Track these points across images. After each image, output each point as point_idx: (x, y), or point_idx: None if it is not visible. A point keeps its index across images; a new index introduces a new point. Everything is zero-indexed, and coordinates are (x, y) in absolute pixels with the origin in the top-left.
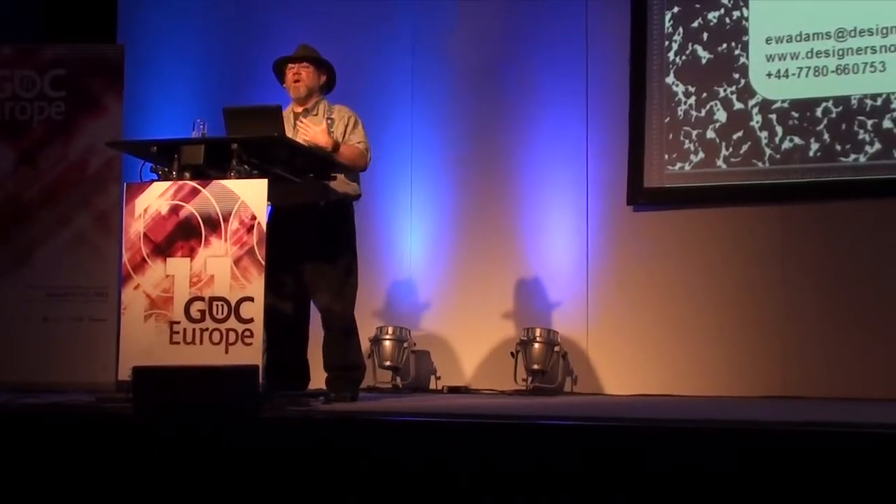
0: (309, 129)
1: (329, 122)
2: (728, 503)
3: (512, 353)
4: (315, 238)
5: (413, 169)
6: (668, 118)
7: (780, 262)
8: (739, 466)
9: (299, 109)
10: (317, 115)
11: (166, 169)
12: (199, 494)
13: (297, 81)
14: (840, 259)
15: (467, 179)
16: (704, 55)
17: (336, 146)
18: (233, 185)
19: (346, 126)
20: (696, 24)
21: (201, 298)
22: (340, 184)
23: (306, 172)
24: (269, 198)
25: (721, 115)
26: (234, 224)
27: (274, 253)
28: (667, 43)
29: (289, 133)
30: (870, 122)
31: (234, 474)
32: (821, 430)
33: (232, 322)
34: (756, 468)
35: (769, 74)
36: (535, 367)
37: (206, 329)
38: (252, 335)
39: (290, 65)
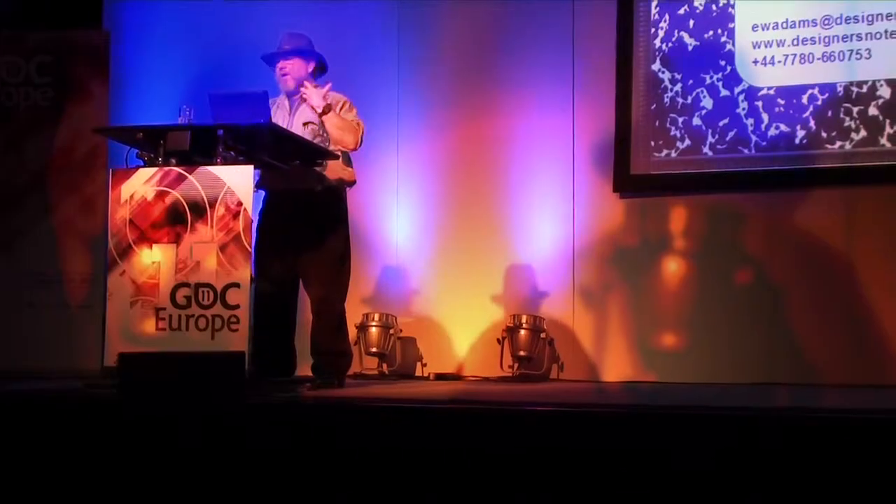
0: (308, 89)
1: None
2: (718, 489)
3: (498, 340)
4: (310, 224)
5: (399, 155)
6: (654, 105)
7: (767, 249)
8: (730, 453)
9: (296, 97)
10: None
11: (152, 155)
12: (185, 480)
13: (284, 76)
14: (826, 246)
15: (454, 166)
16: (691, 42)
17: (327, 109)
18: (219, 171)
19: (340, 108)
20: (682, 11)
21: (187, 285)
22: (337, 169)
23: (293, 159)
24: (264, 183)
25: (707, 102)
26: (220, 210)
27: (267, 238)
28: (653, 30)
29: (284, 119)
30: (855, 110)
31: (220, 460)
32: (810, 416)
33: (218, 308)
34: (747, 455)
35: (755, 61)
36: (522, 353)
37: (193, 315)
38: (238, 321)
39: (277, 59)
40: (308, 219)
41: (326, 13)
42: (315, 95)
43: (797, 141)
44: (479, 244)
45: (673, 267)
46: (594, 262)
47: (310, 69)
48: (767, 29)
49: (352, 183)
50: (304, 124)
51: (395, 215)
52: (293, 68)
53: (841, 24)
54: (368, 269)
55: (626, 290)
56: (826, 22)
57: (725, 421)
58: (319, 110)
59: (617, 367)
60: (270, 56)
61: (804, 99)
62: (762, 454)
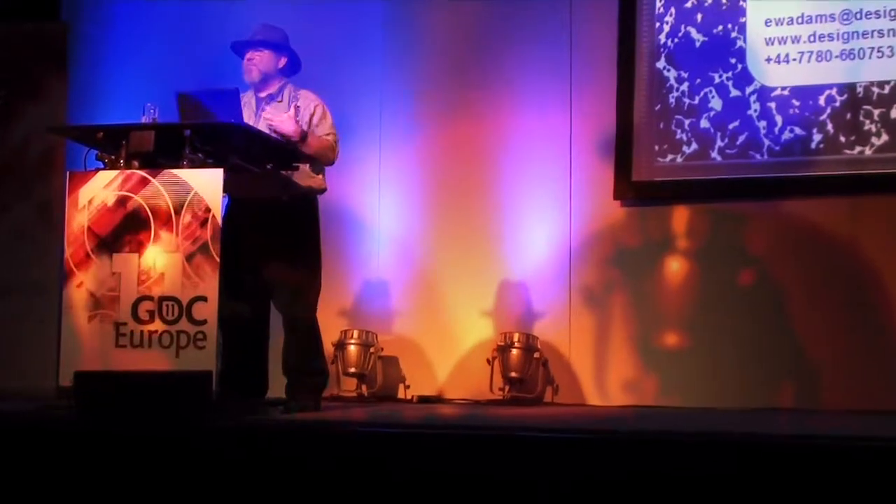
0: (275, 117)
1: (295, 108)
2: None
3: (488, 360)
4: (276, 234)
5: (381, 160)
6: (658, 106)
7: (781, 262)
8: (735, 483)
9: (263, 94)
10: (282, 101)
11: (113, 157)
12: None
13: (250, 65)
14: (844, 259)
15: (441, 173)
16: (698, 38)
17: (304, 136)
18: (185, 174)
19: (312, 115)
20: (689, 4)
21: (150, 298)
22: (304, 176)
23: (266, 162)
24: (226, 189)
25: (716, 103)
26: (186, 217)
27: (230, 249)
28: (658, 24)
29: (249, 119)
30: (876, 112)
31: (184, 489)
32: (822, 444)
33: (183, 324)
34: (753, 484)
35: (768, 59)
36: (513, 374)
37: (156, 331)
38: (205, 338)
39: (246, 49)
40: (275, 228)
41: (306, 5)
42: (285, 123)
43: (813, 146)
44: (467, 257)
45: (678, 282)
46: (592, 277)
47: (280, 64)
48: (782, 24)
49: (322, 191)
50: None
51: (377, 225)
52: (262, 60)
53: (861, 19)
54: (347, 283)
55: (626, 307)
56: (845, 17)
57: (738, 449)
58: (296, 137)
59: (616, 390)
60: (240, 45)
61: (821, 100)
62: (772, 485)
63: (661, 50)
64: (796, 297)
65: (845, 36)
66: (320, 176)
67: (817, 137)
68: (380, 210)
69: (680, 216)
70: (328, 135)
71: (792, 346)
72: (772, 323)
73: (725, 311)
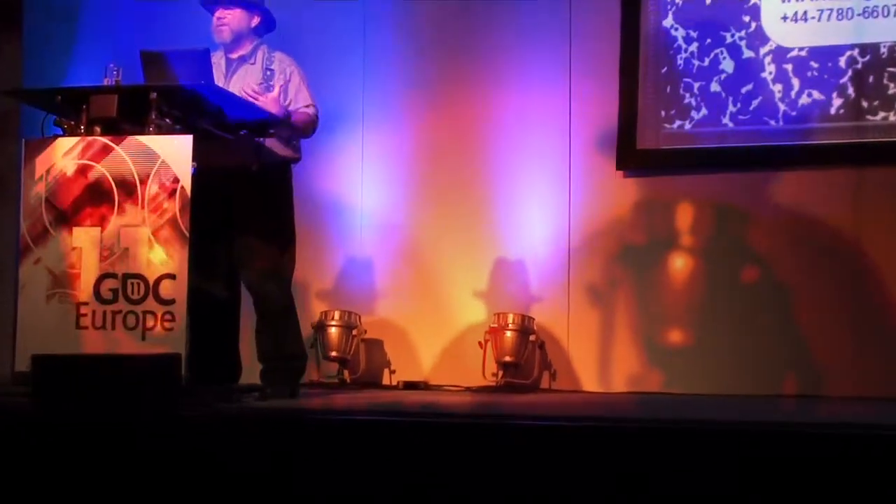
0: (258, 99)
1: (268, 72)
2: None
3: (480, 344)
4: (247, 206)
5: (365, 126)
6: (665, 68)
7: (797, 238)
8: (741, 474)
9: (234, 56)
10: (254, 63)
11: (73, 123)
12: (107, 501)
13: (221, 26)
14: (867, 234)
15: (429, 141)
16: None
17: (287, 117)
18: (151, 141)
19: (288, 82)
20: None
21: (114, 275)
22: (278, 144)
23: (239, 128)
24: (193, 157)
25: (728, 65)
26: (152, 188)
27: (199, 223)
28: None
29: (220, 82)
30: None
31: (150, 481)
32: (831, 433)
33: (150, 303)
34: (759, 474)
35: (785, 17)
36: (507, 359)
37: (120, 311)
38: (173, 319)
39: (216, 7)
40: (246, 199)
41: None
42: (268, 106)
43: (833, 111)
44: (457, 232)
45: (686, 258)
46: (593, 254)
47: (252, 24)
48: None
49: (296, 160)
50: (250, 91)
51: (360, 197)
52: (233, 19)
53: None
54: (327, 261)
55: (629, 286)
56: None
57: (745, 438)
58: (280, 118)
59: (617, 375)
60: (210, 1)
61: (841, 62)
62: (778, 475)
63: (669, 7)
64: (815, 270)
65: None
66: (295, 144)
67: (837, 102)
68: (362, 182)
69: (688, 187)
70: (308, 106)
71: (806, 324)
72: (790, 302)
73: (738, 290)
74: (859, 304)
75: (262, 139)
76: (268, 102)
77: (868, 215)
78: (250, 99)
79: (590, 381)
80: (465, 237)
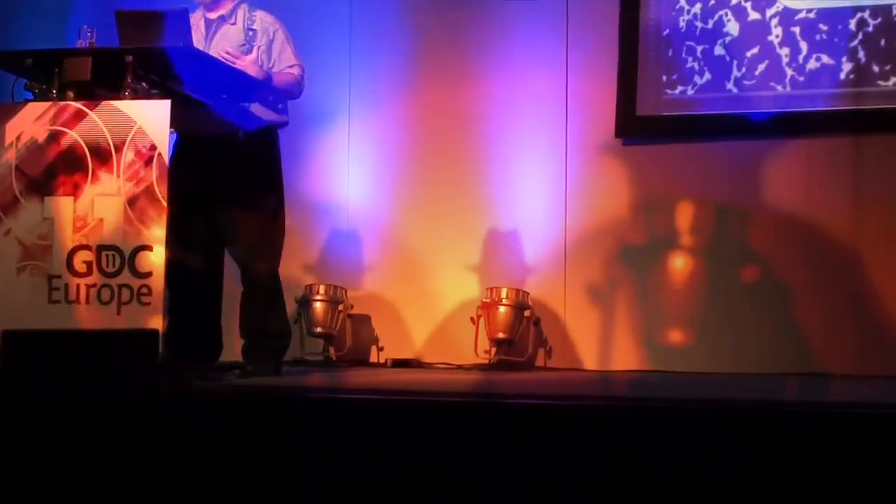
0: (237, 62)
1: (250, 32)
2: (728, 496)
3: (472, 319)
4: (232, 175)
5: (352, 91)
6: (666, 31)
7: (805, 209)
8: (744, 455)
9: (213, 16)
10: (235, 23)
11: (44, 87)
12: (81, 485)
13: None
14: (878, 204)
15: (418, 108)
16: None
17: (269, 79)
18: (127, 106)
19: (272, 42)
20: None
21: (88, 247)
22: (261, 108)
23: (219, 93)
24: (174, 124)
25: (732, 27)
26: (128, 155)
27: (179, 192)
28: None
29: (199, 44)
30: None
31: (126, 462)
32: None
33: (125, 276)
34: (763, 454)
35: None
36: (501, 335)
37: (94, 285)
38: (150, 293)
39: None
40: (230, 167)
41: None
42: (247, 69)
43: (842, 76)
44: (448, 203)
45: (688, 230)
46: (591, 224)
47: None
48: None
49: (283, 124)
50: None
51: (346, 166)
52: None
53: None
54: (313, 233)
55: (630, 259)
56: None
57: (747, 417)
58: (260, 80)
59: (615, 353)
60: None
61: (851, 24)
62: (783, 454)
63: None
64: (823, 243)
65: None
66: (281, 107)
67: (847, 67)
68: (349, 151)
69: (692, 156)
70: (292, 67)
71: (813, 300)
72: (795, 277)
73: (742, 263)
74: (860, 287)
75: (245, 103)
76: (246, 65)
77: (876, 185)
78: (228, 61)
79: (588, 359)
80: (457, 208)
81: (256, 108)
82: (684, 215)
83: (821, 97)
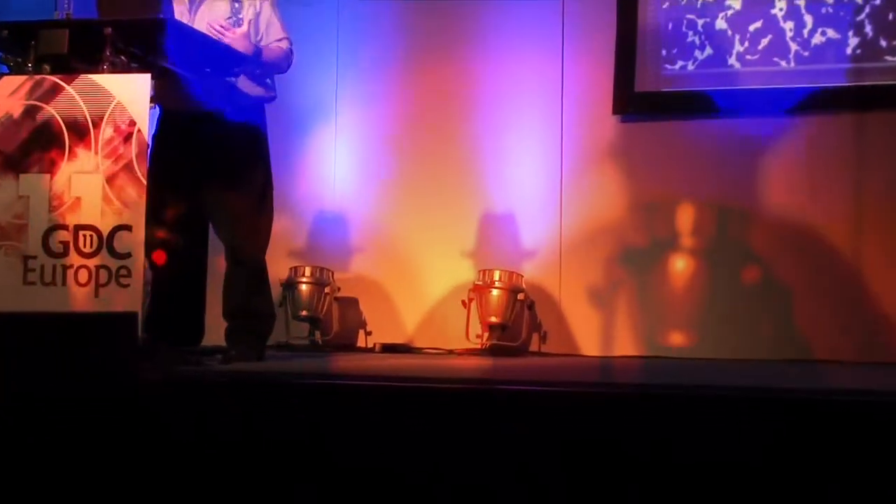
0: (225, 35)
1: (236, 4)
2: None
3: (464, 303)
4: (217, 151)
5: (339, 66)
6: (666, 3)
7: (810, 188)
8: (745, 443)
9: None
10: None
11: (20, 60)
12: (56, 478)
13: None
14: (886, 183)
15: (408, 87)
16: None
17: (258, 53)
18: (106, 81)
19: (259, 14)
20: None
21: (64, 227)
22: (249, 83)
23: (202, 67)
24: (158, 99)
25: (735, 0)
26: (107, 131)
27: (162, 170)
28: None
29: (183, 16)
30: None
31: (105, 449)
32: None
33: (104, 257)
34: (767, 442)
35: None
36: (493, 319)
37: (71, 266)
38: (129, 274)
39: None
40: (217, 144)
41: None
42: (236, 42)
43: (849, 51)
44: (439, 184)
45: (689, 210)
46: (588, 204)
47: None
48: None
49: (271, 98)
50: (219, 26)
51: (333, 143)
52: None
53: None
54: (298, 213)
55: (628, 240)
56: None
57: (750, 405)
58: (249, 54)
59: (613, 338)
60: None
61: None
62: (787, 441)
63: None
64: (829, 223)
65: None
66: (268, 81)
67: (854, 41)
68: (336, 128)
69: (692, 134)
70: (281, 40)
71: (817, 284)
72: (800, 258)
73: (744, 245)
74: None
75: (231, 78)
76: (236, 39)
77: (879, 161)
78: (216, 35)
79: (585, 344)
80: (448, 189)
81: (243, 83)
82: (683, 196)
83: (826, 73)
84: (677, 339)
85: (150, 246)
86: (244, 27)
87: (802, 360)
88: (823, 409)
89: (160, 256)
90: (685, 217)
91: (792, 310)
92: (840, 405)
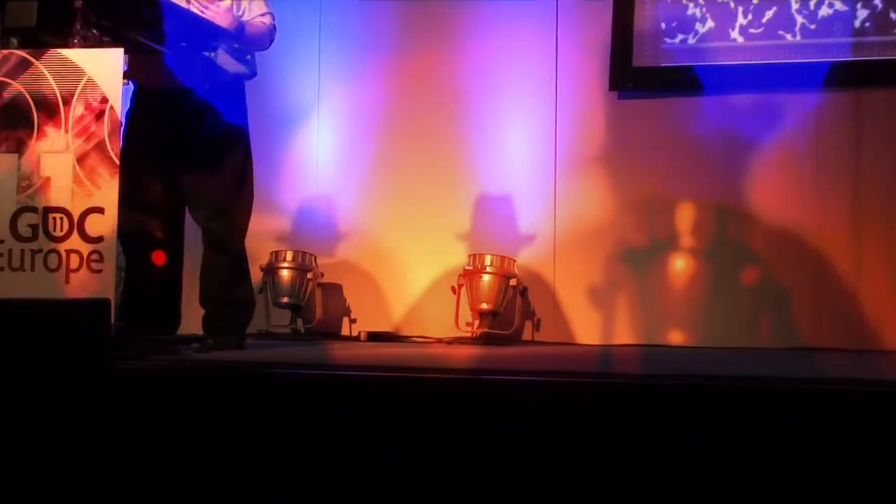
0: (208, 10)
1: None
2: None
3: (453, 289)
4: (194, 130)
5: (323, 42)
6: None
7: (815, 168)
8: (744, 435)
9: None
10: None
11: None
12: (25, 472)
13: None
14: (879, 159)
15: (395, 61)
16: None
17: (240, 29)
18: (77, 55)
19: None
20: None
21: (33, 209)
22: (228, 59)
23: (178, 42)
24: (130, 74)
25: None
26: (78, 109)
27: (136, 149)
28: None
29: None
30: None
31: (77, 442)
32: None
33: (75, 241)
34: (765, 434)
35: None
36: (484, 306)
37: (40, 251)
38: (102, 259)
39: None
40: (194, 123)
41: None
42: (219, 17)
43: (857, 24)
44: (427, 165)
45: (690, 192)
46: (583, 185)
47: None
48: None
49: (251, 76)
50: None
51: (316, 122)
52: None
53: None
54: (280, 196)
55: (625, 223)
56: None
57: (751, 395)
58: (232, 29)
59: (611, 325)
60: None
61: None
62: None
63: None
64: (834, 204)
65: None
66: (249, 58)
67: (862, 14)
68: (319, 106)
69: (692, 111)
70: (263, 15)
71: (821, 267)
72: (805, 242)
73: (748, 228)
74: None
75: (209, 53)
76: (219, 13)
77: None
78: (200, 9)
79: (580, 332)
80: (437, 170)
81: (222, 59)
82: (683, 176)
83: (834, 47)
84: (676, 326)
85: (124, 229)
86: (227, 1)
87: (800, 347)
88: (823, 398)
89: (159, 256)
90: (685, 203)
91: (790, 304)
92: (839, 394)
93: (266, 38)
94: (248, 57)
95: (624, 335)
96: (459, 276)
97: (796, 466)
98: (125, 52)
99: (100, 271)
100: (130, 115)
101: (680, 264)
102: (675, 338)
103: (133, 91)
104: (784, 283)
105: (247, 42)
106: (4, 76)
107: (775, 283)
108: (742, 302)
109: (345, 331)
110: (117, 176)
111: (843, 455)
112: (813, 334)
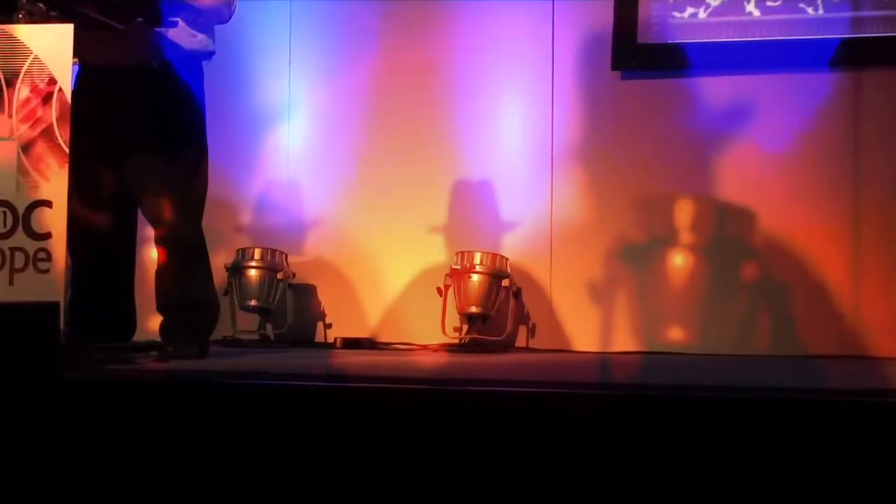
0: None
1: None
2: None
3: (439, 290)
4: (145, 115)
5: (294, 15)
6: None
7: (840, 154)
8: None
9: None
10: None
11: None
12: None
13: None
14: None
15: (370, 41)
16: None
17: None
18: (21, 32)
19: None
20: None
21: None
22: (183, 35)
23: (131, 16)
24: (79, 53)
25: None
26: (23, 91)
27: (82, 136)
28: None
29: None
30: None
31: (23, 456)
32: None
33: (19, 238)
34: (779, 443)
35: None
36: (473, 310)
37: None
38: (49, 258)
39: None
40: (144, 106)
41: None
42: None
43: None
44: (410, 150)
45: (698, 180)
46: (582, 175)
47: None
48: None
49: (208, 53)
50: None
51: (286, 107)
52: None
53: None
54: (246, 187)
55: (628, 218)
56: None
57: (761, 406)
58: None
59: (610, 331)
60: None
61: None
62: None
63: None
64: (861, 193)
65: None
66: (204, 35)
67: None
68: (290, 87)
69: (703, 92)
70: None
71: (837, 268)
72: (826, 238)
73: (762, 221)
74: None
75: (163, 28)
76: None
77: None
78: None
79: (578, 338)
80: (419, 157)
81: (175, 34)
82: (689, 159)
83: (858, 21)
84: (676, 327)
85: (73, 225)
86: None
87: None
88: (823, 409)
89: (84, 238)
90: (688, 193)
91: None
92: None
93: (225, 10)
94: (204, 34)
95: (623, 340)
96: (446, 276)
97: (795, 478)
98: (74, 28)
99: (47, 271)
100: (74, 96)
101: (680, 262)
102: (675, 338)
103: (77, 70)
104: (783, 281)
105: (205, 15)
106: None
107: (773, 283)
108: (741, 302)
109: (318, 337)
110: (67, 166)
111: (843, 467)
112: (813, 334)
